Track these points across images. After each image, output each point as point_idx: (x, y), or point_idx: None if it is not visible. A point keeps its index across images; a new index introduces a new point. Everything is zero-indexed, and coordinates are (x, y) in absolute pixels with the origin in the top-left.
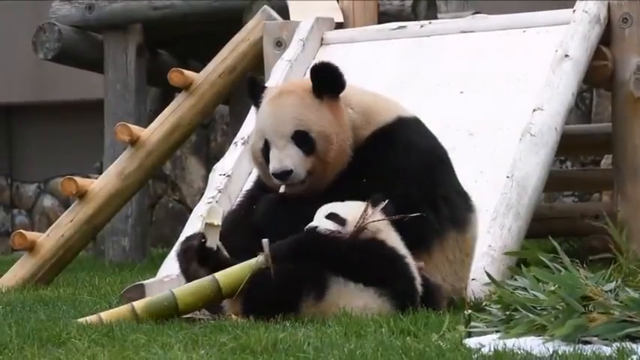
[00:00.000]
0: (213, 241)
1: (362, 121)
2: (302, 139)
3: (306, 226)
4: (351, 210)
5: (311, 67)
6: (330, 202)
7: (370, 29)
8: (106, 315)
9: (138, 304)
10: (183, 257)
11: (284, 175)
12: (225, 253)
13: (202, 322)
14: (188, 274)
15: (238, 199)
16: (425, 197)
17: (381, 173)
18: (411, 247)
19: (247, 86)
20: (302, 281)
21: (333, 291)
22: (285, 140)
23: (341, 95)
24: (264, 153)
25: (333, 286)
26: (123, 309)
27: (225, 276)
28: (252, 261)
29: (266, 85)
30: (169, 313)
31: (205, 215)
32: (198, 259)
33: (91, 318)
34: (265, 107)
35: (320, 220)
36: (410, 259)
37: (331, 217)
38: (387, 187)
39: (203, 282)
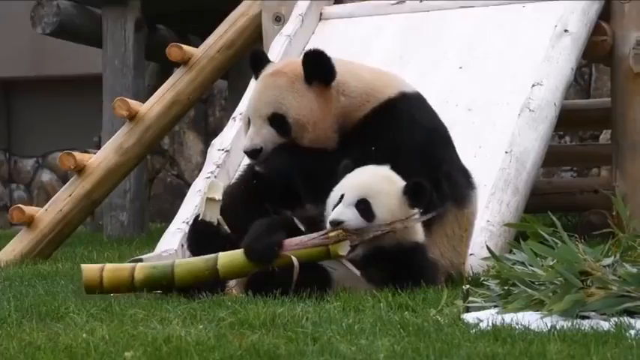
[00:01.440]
0: (214, 216)
1: (360, 101)
2: (278, 122)
3: (331, 218)
4: (384, 197)
5: (303, 52)
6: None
7: (369, 4)
8: (108, 269)
9: (138, 274)
10: (193, 239)
11: (253, 152)
12: (226, 227)
13: (201, 297)
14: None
15: (237, 173)
16: (427, 173)
17: (383, 147)
18: None
19: (250, 58)
20: (305, 280)
21: (334, 287)
22: (262, 120)
23: (336, 81)
24: (246, 128)
25: (334, 284)
26: (124, 270)
27: (227, 259)
28: None
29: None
30: (166, 283)
31: (206, 190)
32: (199, 234)
33: (94, 268)
34: (257, 82)
35: (346, 212)
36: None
37: (361, 206)
38: (389, 161)
39: (203, 262)
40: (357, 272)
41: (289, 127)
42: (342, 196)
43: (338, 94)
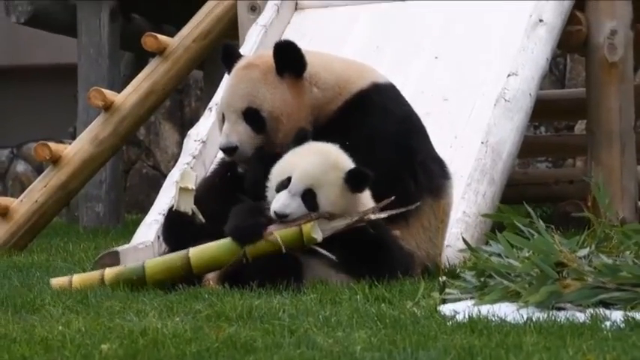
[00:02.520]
0: (188, 206)
1: (332, 94)
2: (252, 117)
3: (275, 209)
4: (329, 187)
5: (274, 45)
6: None
7: None
8: (76, 278)
9: (108, 274)
10: (168, 229)
11: (229, 150)
12: (201, 217)
13: (177, 289)
14: (171, 244)
15: (213, 165)
16: (402, 163)
17: (357, 140)
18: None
19: (222, 53)
20: (278, 270)
21: (308, 277)
22: (237, 115)
23: (308, 72)
24: (220, 124)
25: (309, 274)
26: (94, 274)
27: (199, 254)
28: (227, 242)
29: (241, 52)
30: (138, 284)
31: (179, 179)
32: (174, 224)
33: (62, 279)
34: (230, 76)
35: (291, 204)
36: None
37: (306, 197)
38: (365, 153)
39: (175, 258)
40: (332, 257)
41: (264, 121)
42: (287, 179)
43: (310, 86)
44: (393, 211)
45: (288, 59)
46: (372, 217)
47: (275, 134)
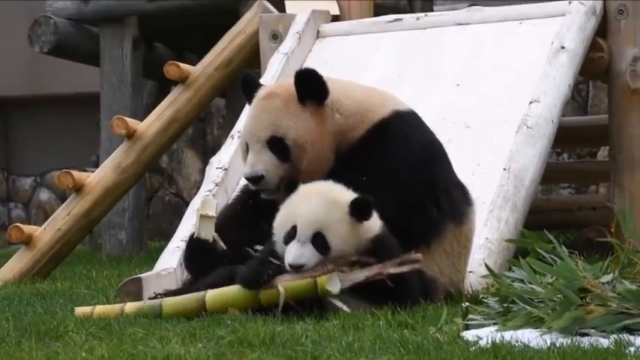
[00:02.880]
0: (209, 233)
1: (354, 121)
2: (277, 146)
3: (290, 261)
4: (337, 225)
5: (295, 73)
6: None
7: (366, 22)
8: (99, 309)
9: (129, 308)
10: (189, 257)
11: (255, 180)
12: (222, 244)
13: (200, 315)
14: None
15: (235, 193)
16: (424, 190)
17: (380, 168)
18: (410, 240)
19: (241, 83)
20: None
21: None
22: (261, 145)
23: (330, 99)
24: (244, 154)
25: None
26: (115, 307)
27: (215, 297)
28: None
29: (261, 81)
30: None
31: (199, 207)
32: (195, 251)
33: (85, 309)
34: (251, 106)
35: (304, 252)
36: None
37: (316, 241)
38: (387, 181)
39: (192, 300)
40: (347, 310)
41: (288, 149)
42: (293, 229)
43: (332, 112)
44: (414, 265)
45: (310, 87)
46: (392, 270)
47: (300, 162)
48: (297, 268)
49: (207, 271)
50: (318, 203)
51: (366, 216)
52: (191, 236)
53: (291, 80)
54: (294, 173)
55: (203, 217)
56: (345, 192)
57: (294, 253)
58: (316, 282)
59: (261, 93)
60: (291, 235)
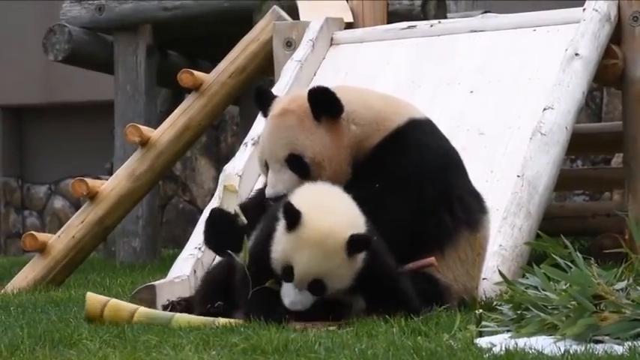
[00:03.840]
0: (231, 206)
1: (370, 130)
2: (296, 164)
3: (285, 302)
4: (335, 270)
5: (308, 90)
6: None
7: (380, 29)
8: (112, 303)
9: (140, 313)
10: (210, 227)
11: (277, 200)
12: (243, 218)
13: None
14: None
15: (249, 197)
16: (439, 197)
17: (394, 175)
18: (425, 247)
19: (255, 97)
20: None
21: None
22: (280, 164)
23: (345, 111)
24: (263, 169)
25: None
26: (128, 307)
27: (226, 325)
28: None
29: (275, 90)
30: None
31: (223, 180)
32: (216, 223)
33: (100, 298)
34: (267, 123)
35: (302, 300)
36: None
37: (314, 286)
38: (401, 188)
39: (203, 322)
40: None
41: (308, 167)
42: (289, 269)
43: (349, 124)
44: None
45: (323, 104)
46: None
47: (319, 178)
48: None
49: (228, 246)
50: (318, 253)
51: (363, 250)
52: (212, 209)
53: (305, 93)
54: None
55: (227, 189)
56: (339, 227)
57: (291, 298)
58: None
59: (275, 108)
60: (288, 276)
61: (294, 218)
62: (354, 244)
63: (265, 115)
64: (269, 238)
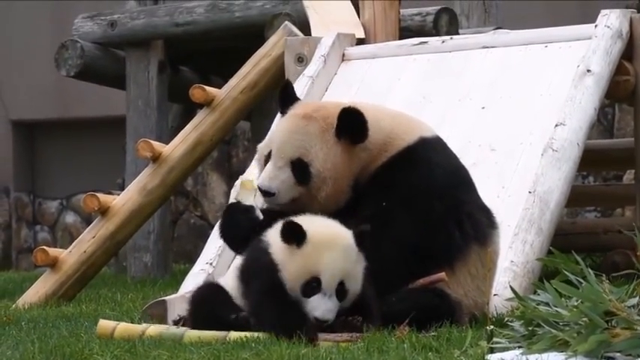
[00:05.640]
0: (248, 202)
1: (379, 151)
2: (300, 169)
3: (319, 316)
4: (353, 271)
5: (342, 108)
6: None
7: (391, 45)
8: (121, 327)
9: (150, 330)
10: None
11: (266, 194)
12: (260, 213)
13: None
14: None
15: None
16: (448, 213)
17: (403, 192)
18: (434, 263)
19: (281, 91)
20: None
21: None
22: (284, 162)
23: None
24: (266, 159)
25: None
26: (137, 327)
27: (237, 339)
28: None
29: (299, 97)
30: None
31: (242, 176)
32: (233, 213)
33: (108, 323)
34: (286, 120)
35: (332, 308)
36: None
37: (339, 289)
38: (411, 204)
39: (214, 337)
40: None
41: (310, 176)
42: (315, 280)
43: (360, 151)
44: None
45: (352, 127)
46: None
47: (317, 192)
48: (324, 322)
49: (243, 239)
50: (339, 253)
51: (367, 245)
52: (230, 204)
53: (332, 106)
54: (307, 200)
55: (243, 186)
56: (340, 229)
57: (323, 308)
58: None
59: (298, 110)
60: (313, 287)
61: (300, 232)
62: (362, 236)
63: (283, 112)
64: (272, 271)
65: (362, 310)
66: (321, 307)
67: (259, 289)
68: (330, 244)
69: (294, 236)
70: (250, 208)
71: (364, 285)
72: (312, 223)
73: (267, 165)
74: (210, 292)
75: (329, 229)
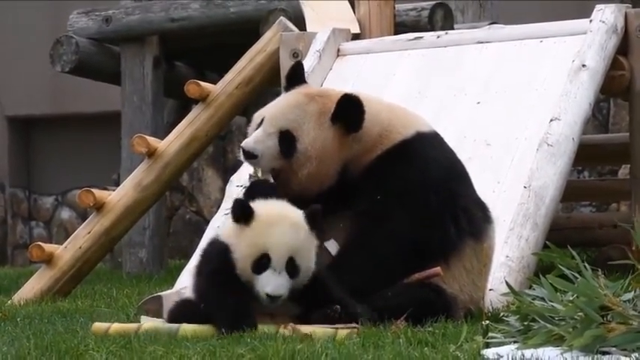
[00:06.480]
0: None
1: (372, 144)
2: (287, 141)
3: (269, 292)
4: (304, 249)
5: (342, 95)
6: (343, 220)
7: (387, 40)
8: (115, 327)
9: (145, 326)
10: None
11: (248, 155)
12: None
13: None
14: None
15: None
16: (443, 207)
17: (399, 186)
18: (429, 257)
19: (291, 69)
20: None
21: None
22: (274, 131)
23: None
24: (258, 126)
25: None
26: (132, 326)
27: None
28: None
29: (306, 81)
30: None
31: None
32: (254, 193)
33: (102, 325)
34: (288, 94)
35: (284, 283)
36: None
37: (289, 267)
38: (406, 198)
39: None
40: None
41: (295, 151)
42: (264, 257)
43: (353, 141)
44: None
45: (349, 114)
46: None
47: (299, 169)
48: (276, 299)
49: None
50: (287, 228)
51: (319, 225)
52: (253, 181)
53: (336, 93)
54: (288, 175)
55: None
56: (291, 208)
57: (274, 283)
58: (336, 333)
59: (303, 89)
60: (264, 263)
61: (248, 209)
62: (313, 215)
63: (288, 90)
64: (223, 250)
65: (319, 292)
66: (271, 282)
67: (206, 278)
68: (278, 220)
69: (243, 214)
70: (272, 185)
71: (320, 266)
72: (263, 204)
73: (258, 129)
74: (184, 308)
75: (277, 208)
